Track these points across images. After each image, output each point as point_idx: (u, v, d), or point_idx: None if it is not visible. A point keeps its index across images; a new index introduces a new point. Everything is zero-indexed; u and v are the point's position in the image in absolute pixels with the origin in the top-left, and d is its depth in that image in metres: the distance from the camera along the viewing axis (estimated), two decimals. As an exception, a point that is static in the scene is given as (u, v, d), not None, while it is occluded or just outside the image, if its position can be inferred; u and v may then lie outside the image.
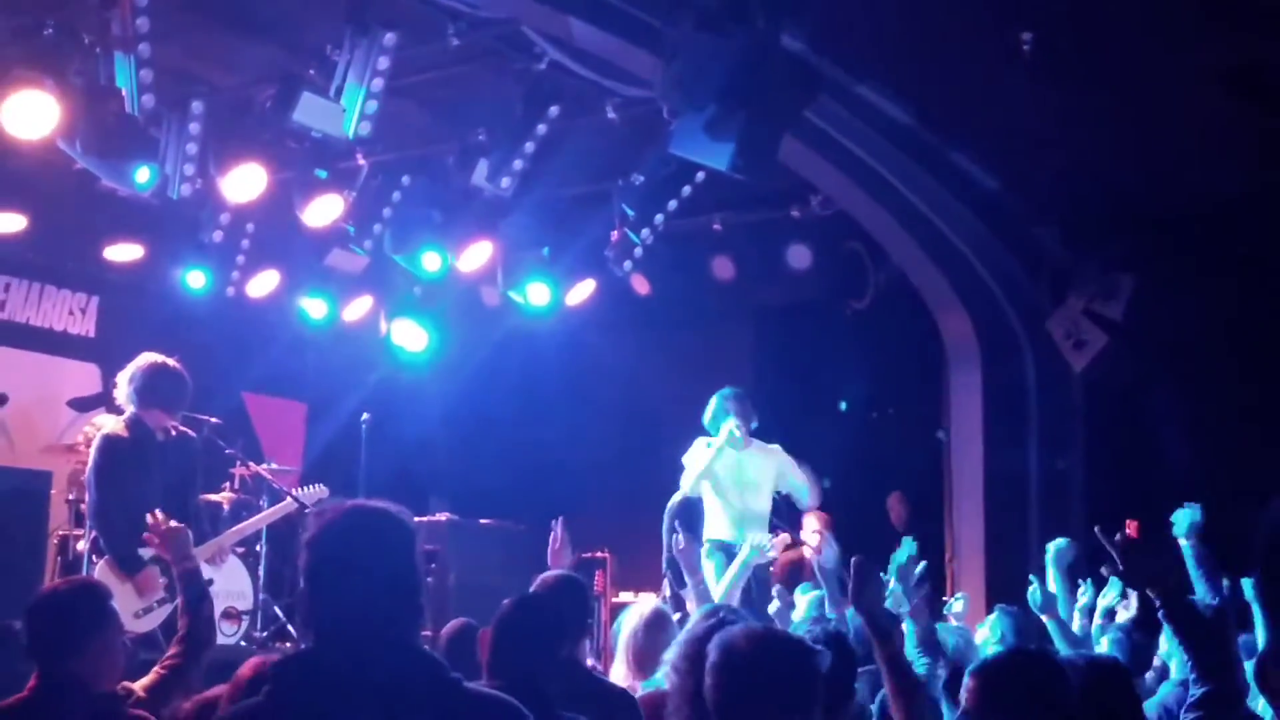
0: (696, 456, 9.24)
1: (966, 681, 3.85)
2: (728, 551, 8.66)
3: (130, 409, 7.73)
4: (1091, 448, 11.45)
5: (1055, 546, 7.62)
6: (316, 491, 9.48)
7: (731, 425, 9.11)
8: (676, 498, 9.52)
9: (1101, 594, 7.51)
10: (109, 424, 7.94)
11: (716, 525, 9.16)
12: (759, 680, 3.39)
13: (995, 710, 3.74)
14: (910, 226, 10.98)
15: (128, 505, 7.38)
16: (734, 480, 9.21)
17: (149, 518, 5.66)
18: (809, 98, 8.75)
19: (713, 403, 9.29)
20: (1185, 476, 10.57)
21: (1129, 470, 10.79)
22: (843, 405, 12.84)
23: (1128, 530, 5.21)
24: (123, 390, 7.71)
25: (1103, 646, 6.85)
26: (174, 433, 7.90)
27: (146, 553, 7.37)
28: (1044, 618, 6.95)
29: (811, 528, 10.26)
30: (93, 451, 7.66)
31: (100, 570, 7.37)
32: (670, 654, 4.98)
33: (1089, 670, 4.25)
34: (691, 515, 9.55)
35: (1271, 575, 1.74)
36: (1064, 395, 11.47)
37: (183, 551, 5.45)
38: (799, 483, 9.32)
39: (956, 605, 8.50)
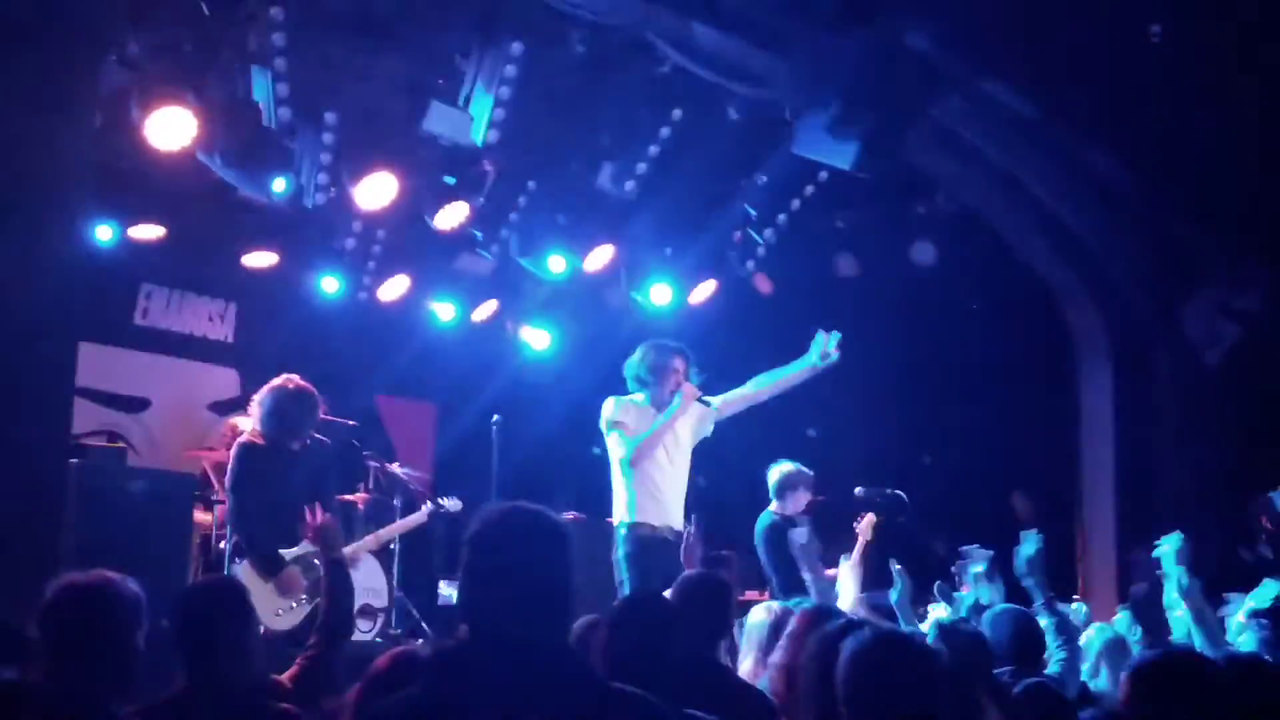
0: (629, 415, 7.97)
1: (1122, 680, 3.87)
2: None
3: (262, 427, 7.86)
4: (1225, 443, 11.22)
5: (1173, 544, 7.44)
6: (451, 504, 9.65)
7: (695, 393, 7.98)
8: (768, 520, 9.34)
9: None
10: (246, 430, 8.15)
11: (656, 506, 7.93)
12: (887, 681, 3.45)
13: (1147, 708, 3.76)
14: (1037, 221, 10.88)
15: (267, 509, 7.58)
16: (680, 454, 8.12)
17: (306, 514, 5.88)
18: (933, 95, 8.74)
19: (648, 358, 8.06)
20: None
21: (1265, 467, 10.56)
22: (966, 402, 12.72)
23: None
24: (255, 412, 7.90)
25: (1242, 641, 6.73)
26: (309, 440, 8.07)
27: (288, 553, 7.60)
28: (1185, 605, 6.80)
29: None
30: (231, 458, 7.86)
31: (243, 571, 7.55)
32: (777, 657, 5.02)
33: (1233, 668, 4.22)
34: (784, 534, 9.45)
35: None
36: (1198, 390, 11.25)
37: (333, 543, 5.69)
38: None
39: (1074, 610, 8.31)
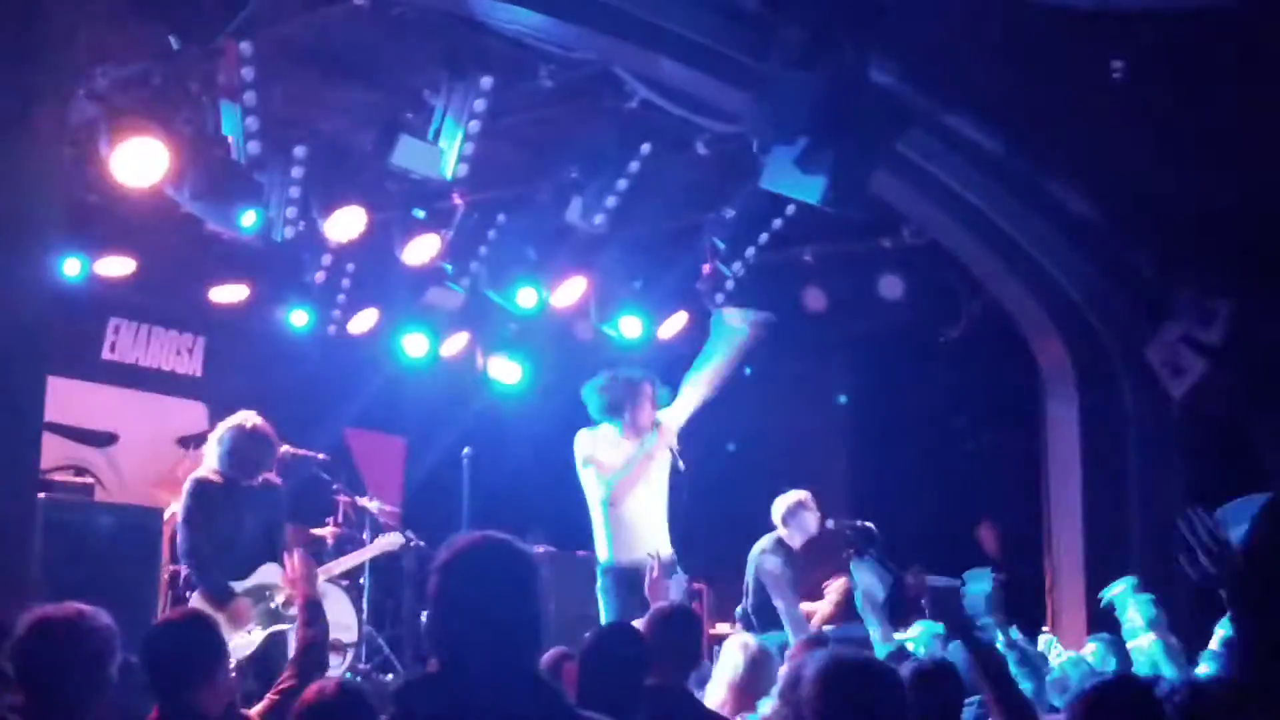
0: (602, 450, 8.10)
1: (1065, 710, 3.91)
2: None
3: (217, 464, 8.09)
4: (1192, 475, 11.29)
5: (1128, 584, 7.49)
6: (392, 540, 9.67)
7: (669, 435, 8.08)
8: (768, 541, 9.48)
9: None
10: (200, 468, 8.23)
11: (644, 538, 8.01)
12: (851, 705, 3.48)
13: None
14: (1003, 255, 10.94)
15: (219, 543, 7.86)
16: (655, 484, 8.31)
17: (285, 558, 6.07)
18: (900, 130, 8.80)
19: (609, 389, 8.20)
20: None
21: (1230, 498, 10.63)
22: (934, 435, 12.78)
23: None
24: (212, 449, 7.99)
25: (1202, 668, 6.78)
26: (261, 480, 8.18)
27: (239, 586, 7.69)
28: (1153, 635, 6.85)
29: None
30: (185, 493, 7.98)
31: (195, 602, 7.61)
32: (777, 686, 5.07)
33: (1192, 694, 4.25)
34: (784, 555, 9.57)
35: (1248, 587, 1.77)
36: (1163, 423, 11.33)
37: (309, 584, 5.82)
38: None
39: (1044, 644, 8.33)
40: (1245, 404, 10.93)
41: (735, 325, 8.50)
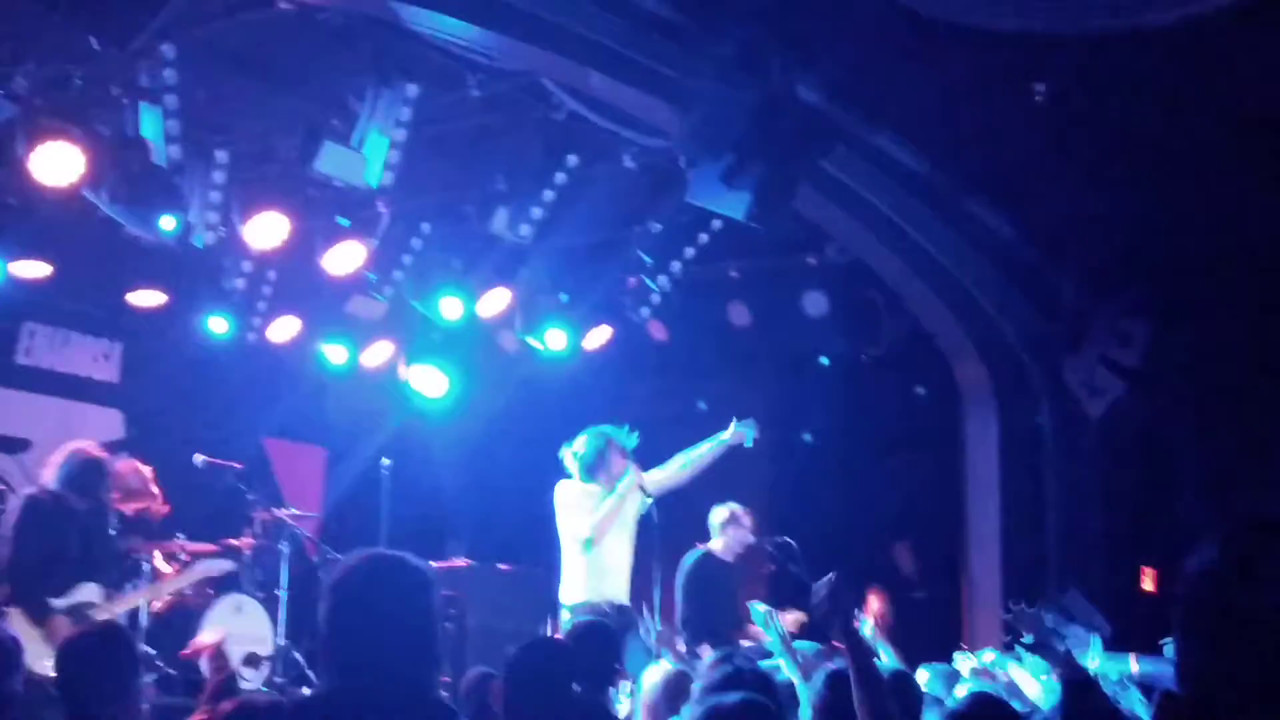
0: (586, 499, 8.61)
1: None
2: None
3: (54, 485, 8.15)
4: (1109, 495, 11.43)
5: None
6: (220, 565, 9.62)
7: (640, 475, 8.62)
8: (693, 557, 9.55)
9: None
10: (33, 487, 8.34)
11: (604, 584, 8.59)
12: None
13: None
14: (925, 274, 11.04)
15: (42, 560, 7.86)
16: (625, 532, 8.76)
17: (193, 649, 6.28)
18: (825, 148, 8.86)
19: (593, 447, 8.70)
20: (1203, 522, 10.56)
21: (1148, 516, 10.78)
22: (857, 452, 12.85)
23: (1144, 578, 5.24)
24: (50, 473, 8.18)
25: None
26: (89, 502, 8.30)
27: (58, 603, 7.67)
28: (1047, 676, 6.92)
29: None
30: (17, 509, 8.00)
31: (14, 618, 7.54)
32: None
33: None
34: (710, 570, 9.58)
35: (1191, 620, 1.80)
36: (1081, 441, 11.46)
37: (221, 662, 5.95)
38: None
39: (986, 657, 8.37)
40: (1162, 422, 11.09)
41: (734, 439, 9.08)
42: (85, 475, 8.19)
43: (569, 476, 8.84)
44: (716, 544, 9.75)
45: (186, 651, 6.58)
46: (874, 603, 10.11)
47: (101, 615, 7.78)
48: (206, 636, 6.61)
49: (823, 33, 8.20)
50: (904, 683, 5.83)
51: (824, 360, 12.39)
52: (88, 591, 7.96)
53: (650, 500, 8.68)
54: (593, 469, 8.72)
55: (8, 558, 7.84)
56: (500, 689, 4.90)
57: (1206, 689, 1.80)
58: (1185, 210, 9.87)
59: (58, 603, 7.77)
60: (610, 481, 8.63)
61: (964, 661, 8.13)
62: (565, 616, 8.61)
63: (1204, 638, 1.82)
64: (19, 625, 7.40)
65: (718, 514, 9.79)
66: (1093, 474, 11.51)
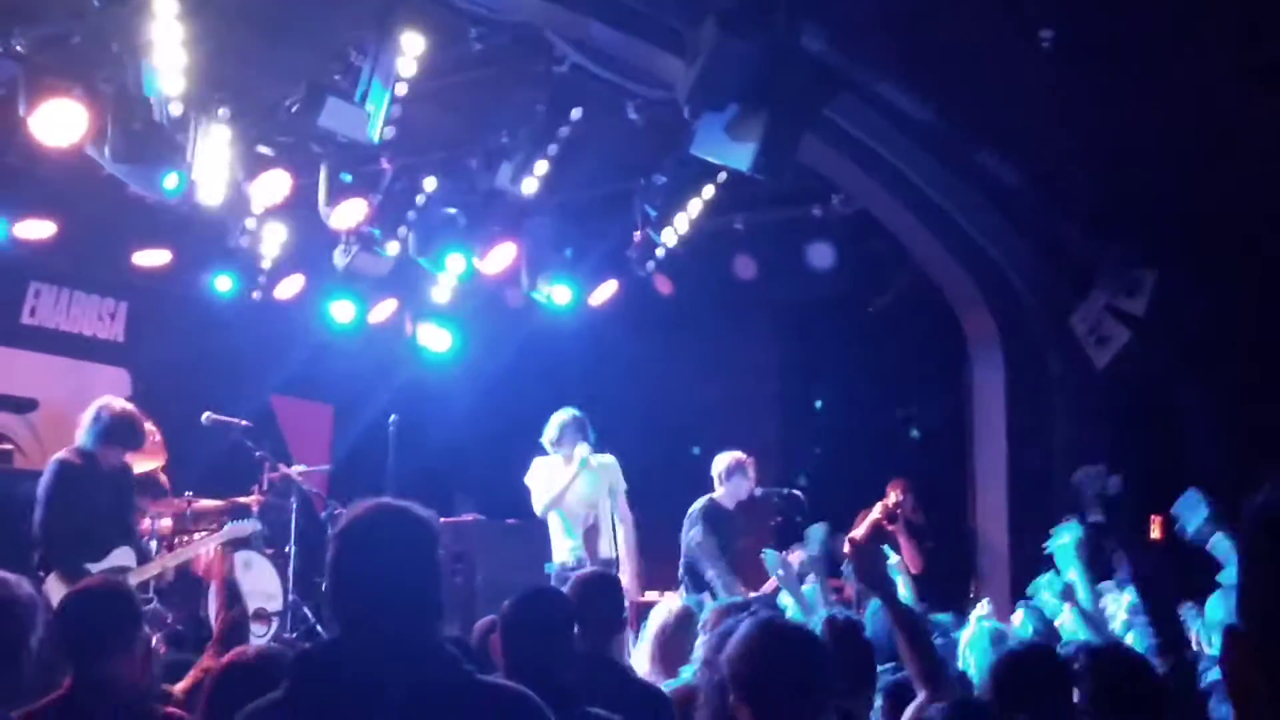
0: (545, 476, 9.56)
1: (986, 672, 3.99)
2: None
3: (85, 443, 8.02)
4: (1115, 444, 11.43)
5: (1073, 536, 7.59)
6: (246, 526, 9.61)
7: (586, 450, 9.40)
8: (697, 505, 9.62)
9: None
10: (64, 449, 8.22)
11: (574, 546, 9.52)
12: (771, 665, 3.52)
13: (1009, 703, 3.89)
14: (932, 224, 11.00)
15: (76, 524, 7.83)
16: (581, 500, 9.56)
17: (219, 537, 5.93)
18: (829, 97, 8.81)
19: (555, 426, 9.55)
20: (1210, 472, 10.56)
21: (1154, 466, 10.78)
22: (868, 405, 12.84)
23: (1153, 526, 5.26)
24: (84, 426, 8.03)
25: (1129, 640, 6.88)
26: (119, 463, 8.27)
27: (95, 567, 7.64)
28: (1066, 606, 6.97)
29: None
30: (46, 473, 7.94)
31: (51, 582, 7.51)
32: (699, 651, 5.08)
33: (1114, 659, 4.35)
34: (714, 517, 9.63)
35: (1254, 555, 1.79)
36: (1087, 392, 11.45)
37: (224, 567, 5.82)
38: (620, 489, 9.68)
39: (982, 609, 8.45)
40: (1169, 372, 11.08)
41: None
42: (121, 429, 8.13)
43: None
44: (719, 492, 9.75)
45: (198, 570, 6.51)
46: (892, 495, 10.40)
47: (134, 579, 7.79)
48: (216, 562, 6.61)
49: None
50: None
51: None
52: (122, 555, 7.95)
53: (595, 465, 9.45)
54: (554, 444, 9.56)
55: (40, 522, 7.78)
56: (498, 640, 4.91)
57: (1271, 625, 1.80)
58: (1194, 157, 9.82)
59: (94, 567, 7.72)
60: (570, 457, 9.46)
61: (982, 608, 8.18)
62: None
63: (1268, 574, 1.81)
64: (56, 590, 7.37)
65: (720, 462, 9.82)
66: (1099, 422, 11.51)
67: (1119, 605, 7.31)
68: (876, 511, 10.92)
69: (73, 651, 4.48)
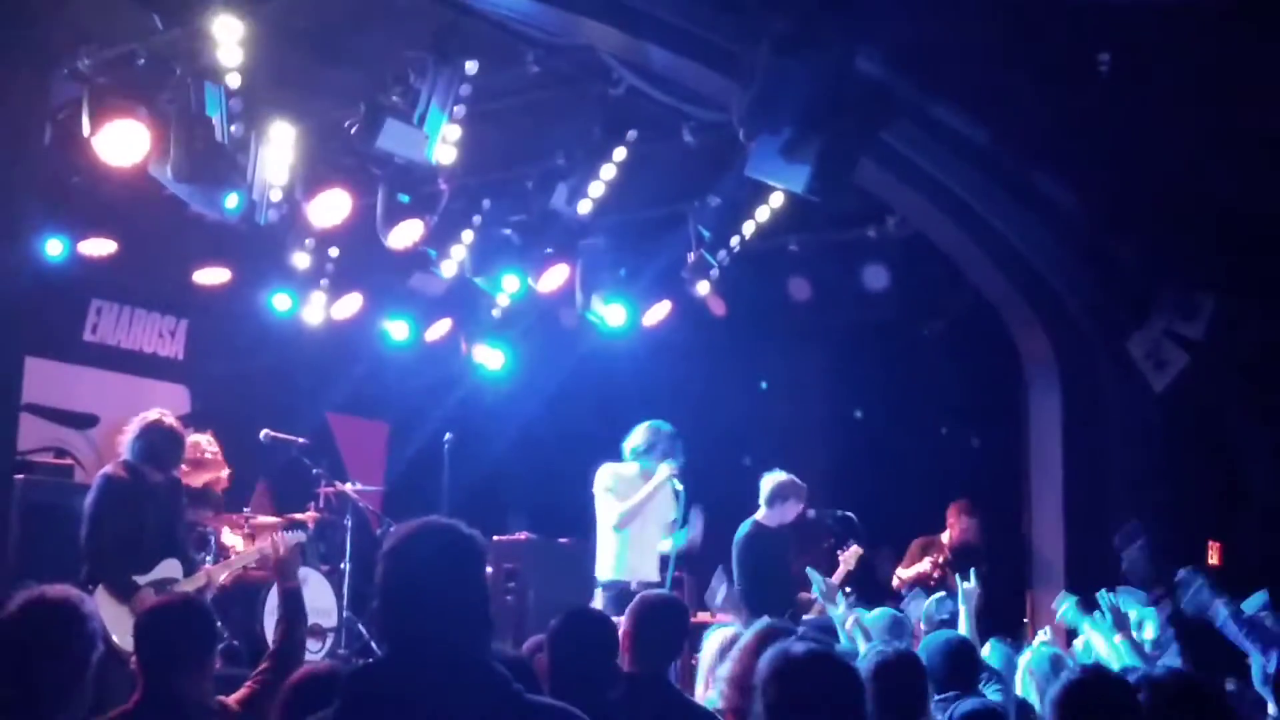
0: (622, 484, 9.10)
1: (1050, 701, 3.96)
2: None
3: (130, 457, 8.08)
4: (1172, 469, 11.32)
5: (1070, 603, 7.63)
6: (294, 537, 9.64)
7: (672, 471, 9.03)
8: (742, 529, 9.53)
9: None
10: (110, 463, 8.26)
11: (646, 563, 9.13)
12: (806, 694, 3.47)
13: None
14: (988, 247, 10.95)
15: (124, 537, 7.83)
16: (658, 520, 9.22)
17: (269, 546, 6.16)
18: (885, 120, 8.81)
19: (648, 434, 9.15)
20: (1267, 498, 10.45)
21: (1210, 491, 10.68)
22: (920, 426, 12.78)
23: (1210, 552, 5.23)
24: (127, 441, 8.10)
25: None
26: (166, 476, 8.27)
27: (143, 579, 7.70)
28: (1118, 638, 6.93)
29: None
30: (93, 488, 8.00)
31: (100, 595, 7.56)
32: (726, 670, 5.06)
33: (1174, 686, 4.31)
34: (761, 539, 9.57)
35: None
36: (1144, 416, 11.35)
37: (290, 573, 5.75)
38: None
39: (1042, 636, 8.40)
40: (1225, 396, 10.97)
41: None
42: (162, 446, 8.15)
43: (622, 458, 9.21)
44: (761, 513, 9.65)
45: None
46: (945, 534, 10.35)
47: (187, 589, 7.84)
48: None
49: (883, 3, 8.14)
50: (965, 651, 5.84)
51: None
52: (169, 568, 8.00)
53: (682, 490, 9.07)
54: (639, 454, 9.14)
55: (88, 536, 7.83)
56: (544, 661, 4.93)
57: None
58: (1253, 182, 9.74)
59: (142, 579, 7.77)
60: (649, 472, 9.08)
61: (1043, 637, 8.14)
62: (598, 593, 9.04)
63: None
64: (104, 603, 7.44)
65: (767, 483, 9.69)
66: (1156, 448, 11.40)
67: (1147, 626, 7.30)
68: (925, 566, 10.85)
69: (147, 666, 4.51)
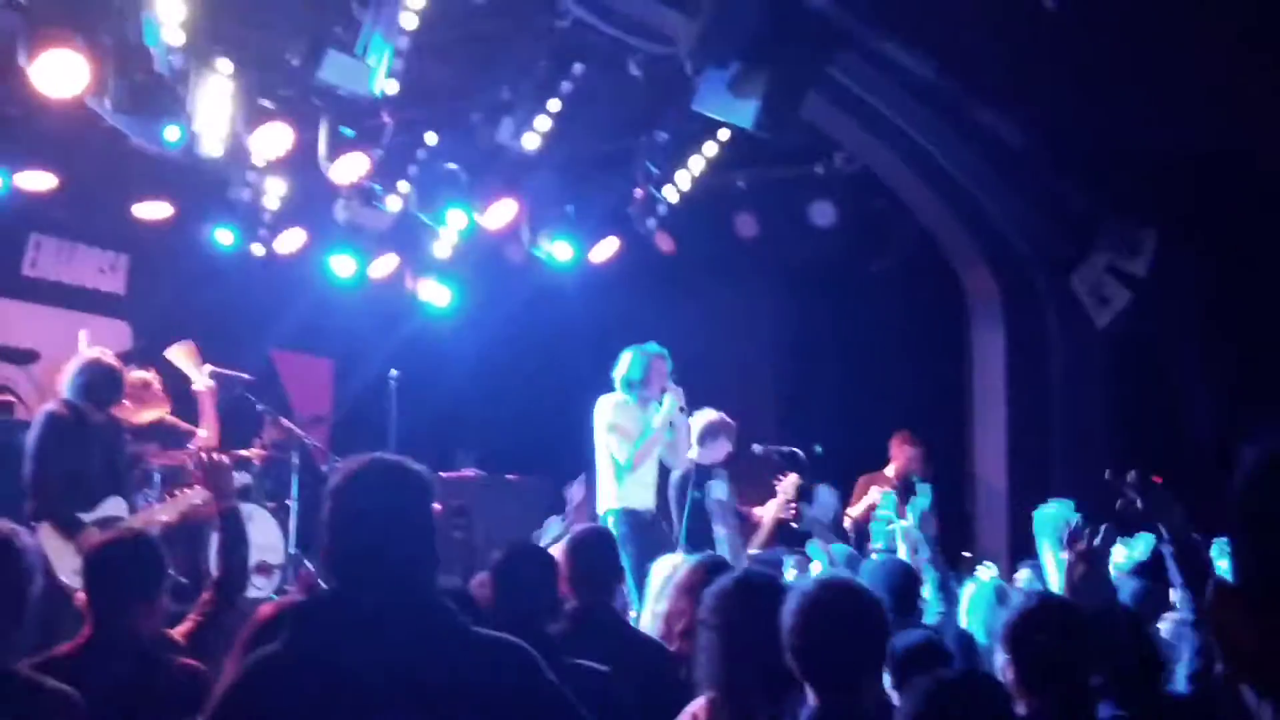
0: (624, 418, 8.88)
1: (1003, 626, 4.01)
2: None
3: (70, 395, 8.05)
4: (1114, 404, 11.46)
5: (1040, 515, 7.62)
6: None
7: (679, 397, 8.88)
8: (677, 474, 9.48)
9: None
10: (51, 400, 8.22)
11: (643, 493, 8.98)
12: (839, 626, 3.51)
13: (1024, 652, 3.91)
14: (933, 182, 10.99)
15: (67, 475, 7.83)
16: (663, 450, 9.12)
17: (199, 454, 6.00)
18: (832, 54, 8.79)
19: (645, 360, 8.95)
20: (1208, 433, 10.59)
21: (1152, 427, 10.81)
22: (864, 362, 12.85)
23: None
24: (65, 380, 8.07)
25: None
26: (107, 415, 8.25)
27: (87, 517, 7.67)
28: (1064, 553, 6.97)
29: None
30: (35, 425, 7.96)
31: (44, 531, 7.53)
32: (663, 606, 5.11)
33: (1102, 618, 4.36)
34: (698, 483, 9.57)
35: (1250, 512, 1.80)
36: (1087, 352, 11.47)
37: (225, 489, 5.42)
38: None
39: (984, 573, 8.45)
40: (1168, 331, 11.08)
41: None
42: (102, 384, 8.12)
43: (613, 390, 9.01)
44: (694, 452, 9.54)
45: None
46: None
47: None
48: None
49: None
50: (906, 574, 5.93)
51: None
52: (114, 505, 7.97)
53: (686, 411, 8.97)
54: (634, 385, 8.93)
55: (32, 473, 7.80)
56: (488, 593, 4.97)
57: (1262, 581, 1.82)
58: (1196, 117, 9.79)
59: (87, 517, 7.76)
60: (646, 401, 8.90)
61: (985, 572, 8.21)
62: (610, 522, 8.72)
63: (1259, 531, 1.83)
64: (49, 539, 7.43)
65: (697, 422, 9.51)
66: (1099, 384, 11.53)
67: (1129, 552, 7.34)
68: (875, 496, 10.81)
69: (97, 600, 4.49)
